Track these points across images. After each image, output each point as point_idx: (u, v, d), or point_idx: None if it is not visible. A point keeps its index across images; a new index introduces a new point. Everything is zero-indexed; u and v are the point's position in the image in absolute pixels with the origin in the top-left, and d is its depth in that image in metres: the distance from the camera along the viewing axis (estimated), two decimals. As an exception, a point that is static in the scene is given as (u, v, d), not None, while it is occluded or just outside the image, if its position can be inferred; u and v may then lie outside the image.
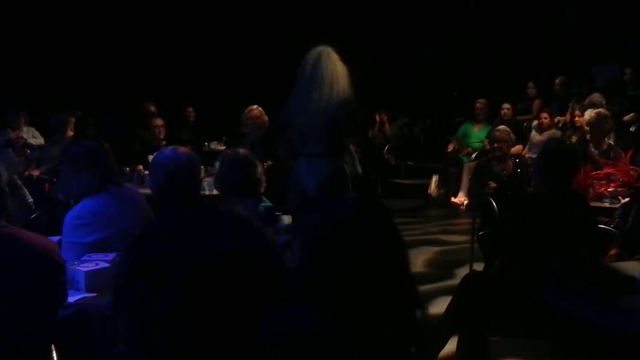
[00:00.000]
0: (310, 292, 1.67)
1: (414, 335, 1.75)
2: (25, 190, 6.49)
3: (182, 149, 3.91)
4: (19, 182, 6.58)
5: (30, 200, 6.45)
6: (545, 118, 10.05)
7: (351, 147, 8.30)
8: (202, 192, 6.36)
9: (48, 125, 9.25)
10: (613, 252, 4.06)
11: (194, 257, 1.13)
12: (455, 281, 5.25)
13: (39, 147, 9.45)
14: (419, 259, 7.34)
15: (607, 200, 5.68)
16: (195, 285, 1.12)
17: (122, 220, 3.73)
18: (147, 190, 4.24)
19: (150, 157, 4.76)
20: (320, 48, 5.38)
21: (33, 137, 9.75)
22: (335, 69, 5.29)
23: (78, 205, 3.82)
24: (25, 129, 9.73)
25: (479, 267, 5.37)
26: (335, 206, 1.76)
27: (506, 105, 10.76)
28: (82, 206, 3.79)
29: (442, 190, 10.39)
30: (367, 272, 1.69)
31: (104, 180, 3.83)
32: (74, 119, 8.92)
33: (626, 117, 9.71)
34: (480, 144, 10.26)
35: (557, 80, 11.40)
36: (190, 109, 11.27)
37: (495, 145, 6.86)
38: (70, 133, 8.81)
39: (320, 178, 5.21)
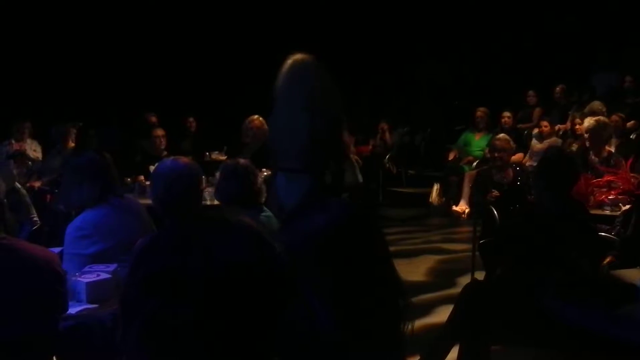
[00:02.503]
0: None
1: (394, 343, 1.75)
2: (33, 208, 6.49)
3: (183, 160, 3.90)
4: (28, 199, 6.57)
5: (35, 217, 6.45)
6: (545, 126, 10.06)
7: (353, 156, 8.33)
8: (202, 201, 6.39)
9: (49, 136, 9.26)
10: (608, 259, 4.07)
11: (205, 269, 1.13)
12: (456, 290, 5.25)
13: (35, 160, 9.46)
14: (420, 268, 7.34)
15: (608, 207, 5.69)
16: (207, 297, 1.12)
17: (122, 231, 3.74)
18: (148, 201, 4.24)
19: (152, 168, 4.77)
20: (298, 58, 5.14)
21: (34, 150, 9.77)
22: (315, 82, 5.06)
23: (79, 217, 3.84)
24: (29, 140, 9.76)
25: (480, 275, 5.37)
26: (321, 214, 1.76)
27: (506, 114, 10.78)
28: (83, 217, 3.81)
29: (443, 199, 10.39)
30: (353, 279, 1.69)
31: (104, 191, 3.84)
32: (75, 130, 8.93)
33: (627, 124, 9.71)
34: (481, 152, 10.27)
35: (557, 89, 11.43)
36: (191, 119, 11.30)
37: (496, 154, 6.84)
38: (72, 144, 8.81)
39: (299, 195, 4.91)
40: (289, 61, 5.15)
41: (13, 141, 9.61)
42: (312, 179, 5.02)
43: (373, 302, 1.70)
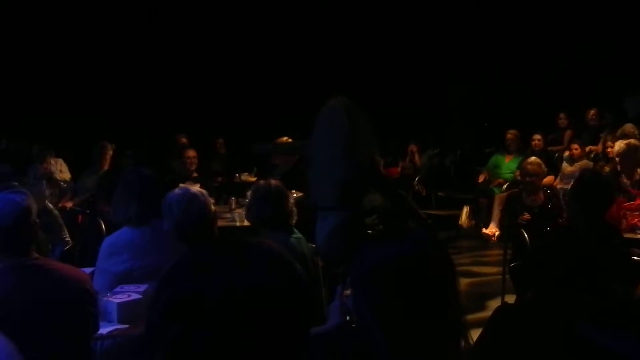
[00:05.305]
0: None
1: None
2: (65, 228, 6.55)
3: (192, 187, 3.98)
4: (61, 220, 6.63)
5: (67, 238, 6.51)
6: (575, 149, 9.97)
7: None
8: (232, 223, 6.42)
9: (90, 156, 9.25)
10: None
11: (226, 293, 1.13)
12: (486, 313, 5.21)
13: (66, 181, 9.53)
14: (450, 291, 7.27)
15: (641, 231, 5.62)
16: (229, 322, 1.12)
17: (153, 255, 3.73)
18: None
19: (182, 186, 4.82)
20: (332, 105, 5.06)
21: (60, 171, 9.82)
22: (351, 129, 4.94)
23: (116, 233, 3.87)
24: (52, 161, 9.79)
25: (511, 299, 5.32)
26: (395, 244, 1.77)
27: (537, 136, 10.70)
28: (118, 234, 3.84)
29: (473, 221, 10.31)
30: (428, 304, 1.71)
31: (150, 212, 3.83)
32: (112, 151, 8.98)
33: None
34: (511, 174, 10.20)
35: (589, 111, 11.33)
36: (220, 141, 11.36)
37: (527, 179, 6.78)
38: (106, 166, 8.83)
39: (328, 230, 4.87)
40: (324, 108, 5.08)
41: (38, 164, 9.67)
42: (345, 214, 4.93)
43: (431, 331, 1.71)
